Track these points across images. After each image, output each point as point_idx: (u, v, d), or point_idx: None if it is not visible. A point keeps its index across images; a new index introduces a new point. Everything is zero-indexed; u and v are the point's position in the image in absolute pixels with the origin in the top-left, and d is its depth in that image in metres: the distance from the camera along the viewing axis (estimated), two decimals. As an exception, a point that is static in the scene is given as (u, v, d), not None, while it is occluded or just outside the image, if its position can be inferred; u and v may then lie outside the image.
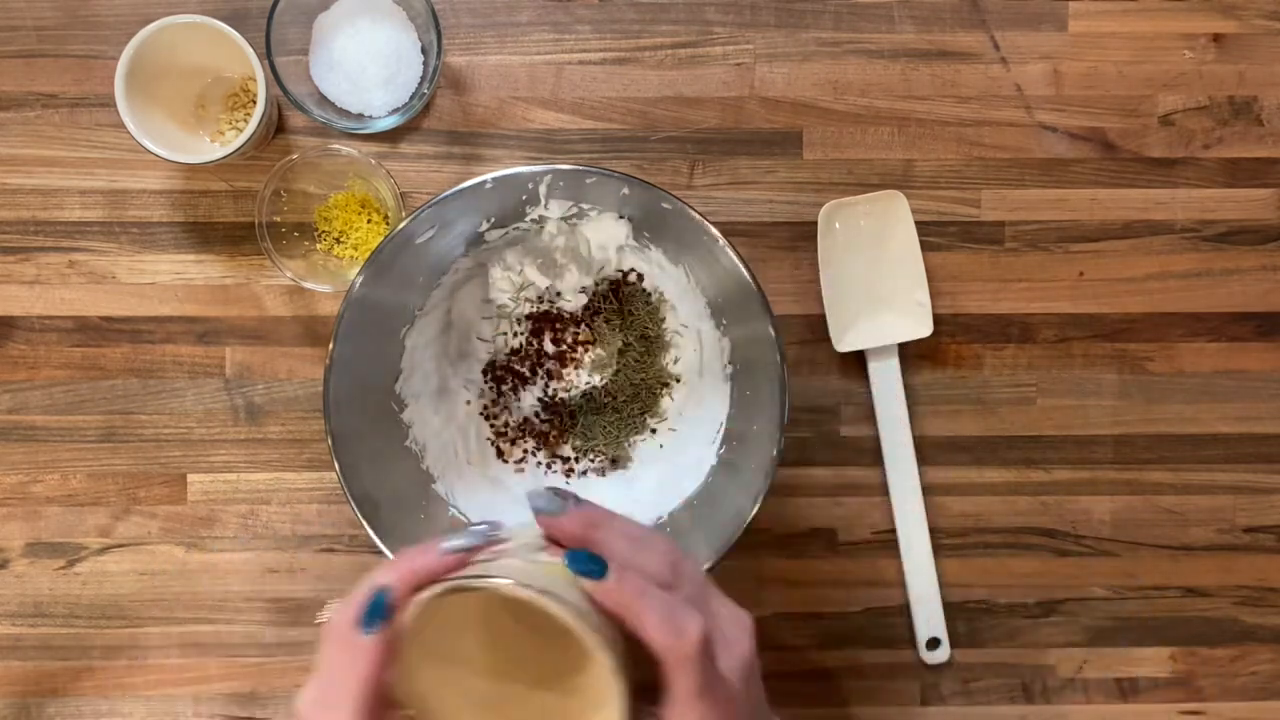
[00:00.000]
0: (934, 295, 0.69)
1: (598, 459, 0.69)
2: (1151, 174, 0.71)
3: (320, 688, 0.39)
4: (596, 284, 0.68)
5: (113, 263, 0.69)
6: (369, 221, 0.69)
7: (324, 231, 0.69)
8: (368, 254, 0.58)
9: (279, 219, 0.68)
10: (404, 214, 0.66)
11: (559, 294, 0.68)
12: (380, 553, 0.59)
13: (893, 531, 0.70)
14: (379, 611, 0.38)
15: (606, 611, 0.39)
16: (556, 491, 0.42)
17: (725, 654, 0.42)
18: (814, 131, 0.70)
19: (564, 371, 0.68)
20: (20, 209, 0.69)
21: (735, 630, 0.44)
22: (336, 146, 0.66)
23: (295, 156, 0.65)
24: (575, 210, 0.64)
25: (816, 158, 0.70)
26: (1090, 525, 0.71)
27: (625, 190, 0.60)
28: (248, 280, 0.69)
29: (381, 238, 0.60)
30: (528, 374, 0.68)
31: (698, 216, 0.59)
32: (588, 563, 0.39)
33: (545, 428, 0.69)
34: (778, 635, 0.71)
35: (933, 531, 0.70)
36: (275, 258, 0.65)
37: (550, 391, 0.68)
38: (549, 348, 0.68)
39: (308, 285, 0.66)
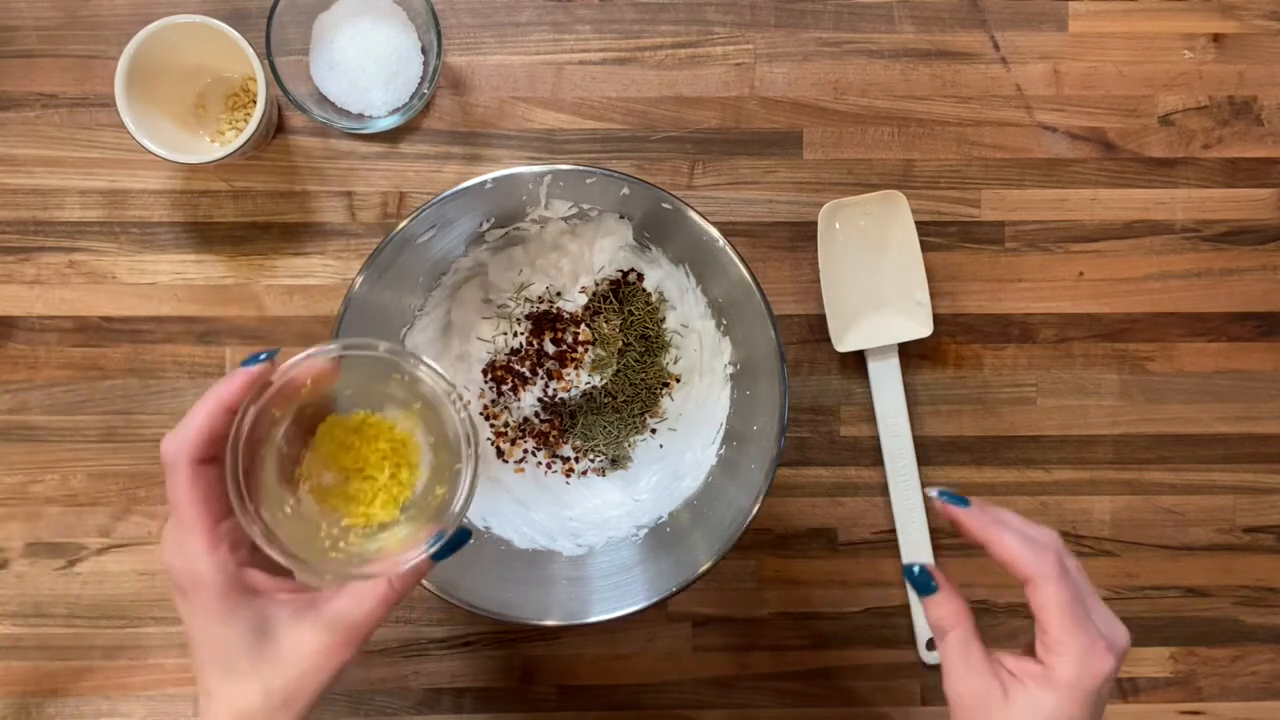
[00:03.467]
0: (934, 295, 0.69)
1: (598, 459, 0.69)
2: (1151, 174, 0.71)
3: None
4: (596, 284, 0.68)
5: (113, 263, 0.69)
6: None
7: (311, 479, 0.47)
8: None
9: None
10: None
11: (559, 294, 0.68)
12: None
13: (893, 531, 0.70)
14: (268, 355, 0.43)
15: (972, 537, 0.47)
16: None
17: (1112, 632, 0.47)
18: (814, 131, 0.70)
19: (564, 371, 0.68)
20: (20, 209, 0.69)
21: (1119, 627, 0.47)
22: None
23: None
24: (575, 210, 0.64)
25: (816, 158, 0.70)
26: (1090, 525, 0.71)
27: (625, 190, 0.61)
28: (248, 280, 0.69)
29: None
30: (528, 374, 0.68)
31: (698, 216, 0.59)
32: (953, 496, 0.48)
33: (545, 428, 0.69)
34: (778, 635, 0.71)
35: (933, 531, 0.70)
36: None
37: (550, 391, 0.68)
38: (549, 348, 0.68)
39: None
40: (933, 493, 0.49)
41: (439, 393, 0.44)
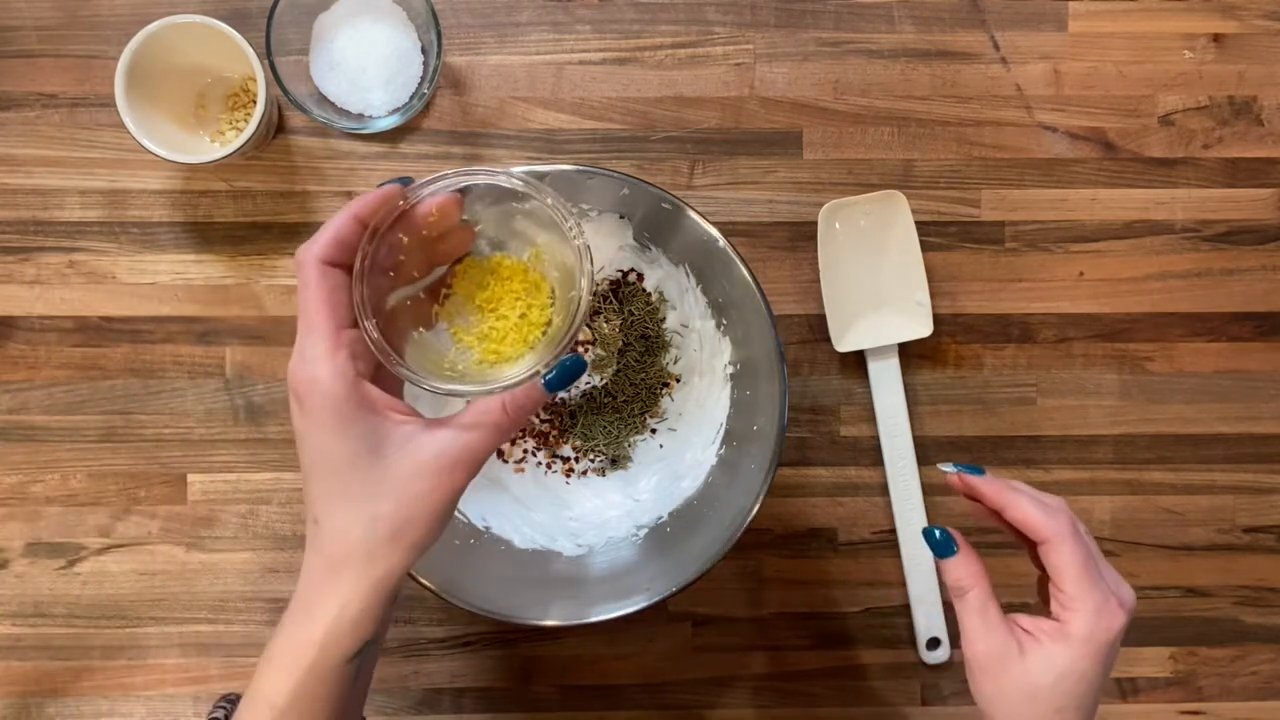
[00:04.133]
0: (934, 295, 0.69)
1: (598, 459, 0.69)
2: (1151, 174, 0.71)
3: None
4: (597, 284, 0.68)
5: (113, 263, 0.69)
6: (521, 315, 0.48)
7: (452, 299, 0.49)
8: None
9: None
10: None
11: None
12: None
13: (893, 531, 0.70)
14: (405, 181, 0.44)
15: (985, 505, 0.50)
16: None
17: (1121, 592, 0.49)
18: (814, 131, 0.70)
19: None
20: (20, 209, 0.69)
21: (1125, 588, 0.49)
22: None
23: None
24: (575, 210, 0.64)
25: (816, 158, 0.70)
26: (1090, 525, 0.71)
27: (625, 190, 0.61)
28: (248, 280, 0.69)
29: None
30: (528, 374, 0.68)
31: (698, 216, 0.59)
32: (967, 467, 0.51)
33: (545, 428, 0.69)
34: (778, 635, 0.71)
35: (933, 531, 0.70)
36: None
37: (550, 391, 0.68)
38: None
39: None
40: (948, 468, 0.51)
41: (556, 220, 0.44)
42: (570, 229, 0.44)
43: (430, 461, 0.42)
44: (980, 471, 0.50)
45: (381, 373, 0.43)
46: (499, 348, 0.47)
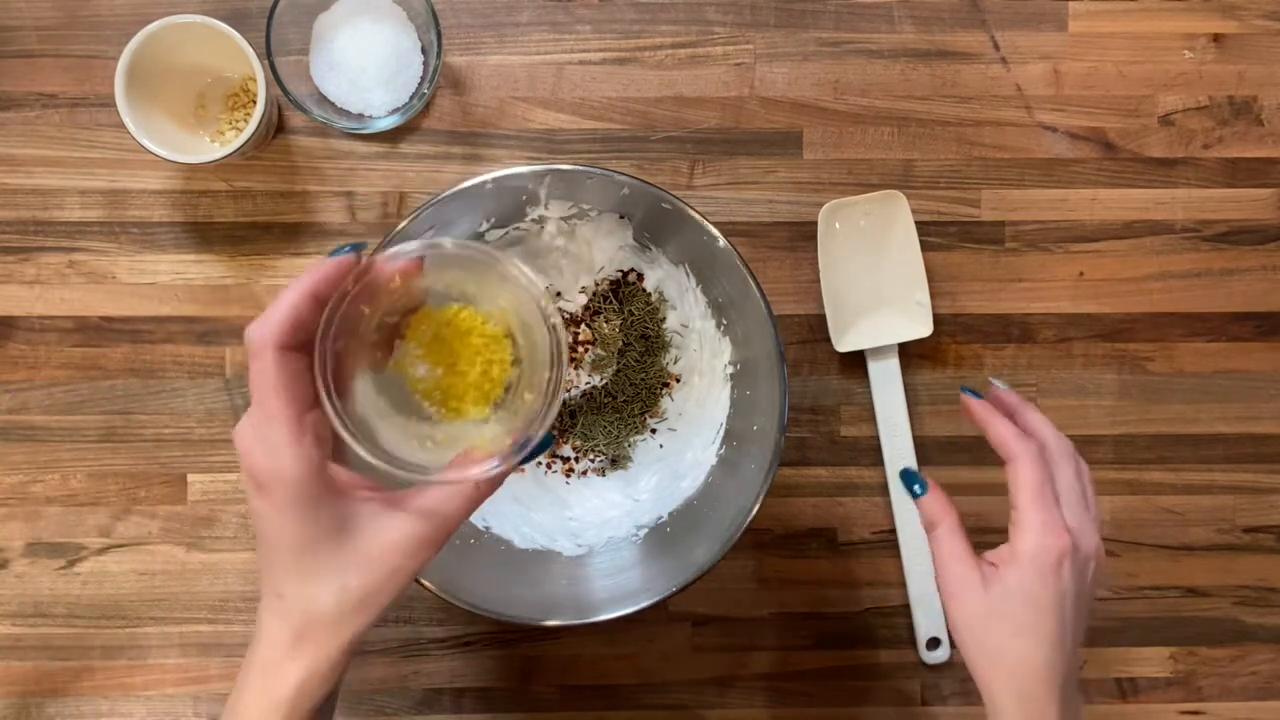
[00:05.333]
0: (934, 295, 0.69)
1: (598, 459, 0.69)
2: (1151, 174, 0.71)
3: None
4: (596, 284, 0.68)
5: (113, 263, 0.69)
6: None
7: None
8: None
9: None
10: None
11: (559, 294, 0.68)
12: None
13: (893, 531, 0.70)
14: (354, 248, 0.41)
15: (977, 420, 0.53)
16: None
17: (1073, 519, 0.51)
18: (814, 131, 0.70)
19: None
20: (20, 209, 0.69)
21: (1089, 525, 0.51)
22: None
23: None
24: (575, 210, 0.64)
25: (816, 158, 0.70)
26: (1090, 525, 0.71)
27: (625, 190, 0.61)
28: (248, 280, 0.69)
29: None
30: (528, 374, 0.68)
31: (698, 216, 0.59)
32: (975, 393, 0.54)
33: (545, 428, 0.69)
34: (778, 635, 0.71)
35: (933, 531, 0.70)
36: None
37: (550, 391, 0.68)
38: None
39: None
40: (969, 392, 0.54)
41: (529, 297, 0.42)
42: (545, 308, 0.42)
43: (400, 543, 0.42)
44: (979, 397, 0.54)
45: (341, 443, 0.42)
46: (459, 405, 0.45)
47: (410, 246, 0.41)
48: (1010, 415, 0.54)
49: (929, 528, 0.53)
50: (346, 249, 0.42)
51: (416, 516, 0.42)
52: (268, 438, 0.40)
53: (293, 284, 0.40)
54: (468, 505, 0.43)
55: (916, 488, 0.53)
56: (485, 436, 0.44)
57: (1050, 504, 0.50)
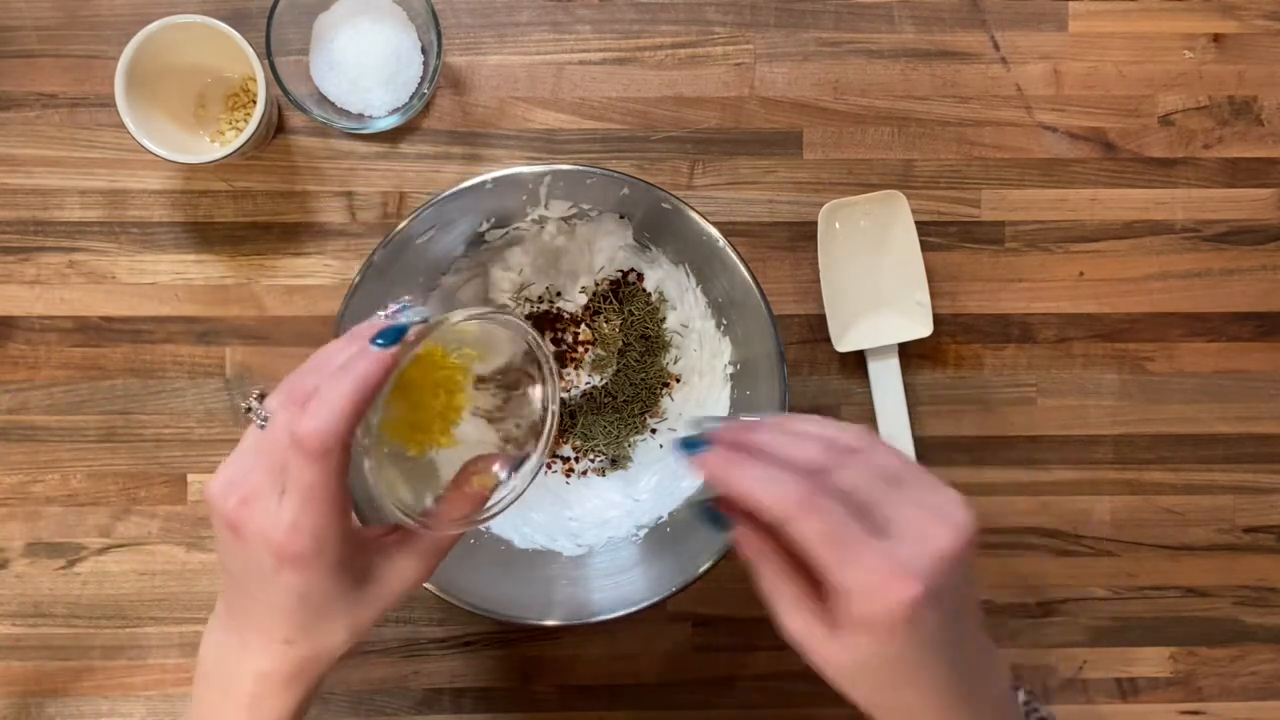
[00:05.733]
0: (934, 295, 0.69)
1: (598, 459, 0.69)
2: (1151, 174, 0.71)
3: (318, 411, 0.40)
4: (596, 284, 0.68)
5: (113, 263, 0.69)
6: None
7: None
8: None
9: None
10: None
11: (559, 294, 0.68)
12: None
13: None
14: (397, 334, 0.41)
15: (721, 491, 0.41)
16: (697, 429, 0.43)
17: (907, 543, 0.37)
18: (814, 131, 0.70)
19: (564, 371, 0.68)
20: (20, 209, 0.69)
21: (932, 525, 0.38)
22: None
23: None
24: (575, 210, 0.64)
25: (816, 158, 0.70)
26: (1090, 525, 0.71)
27: (625, 190, 0.61)
28: (248, 280, 0.69)
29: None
30: (528, 374, 0.68)
31: (698, 216, 0.59)
32: (690, 445, 0.41)
33: (545, 428, 0.69)
34: (778, 635, 0.71)
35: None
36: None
37: (550, 391, 0.68)
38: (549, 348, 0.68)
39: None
40: (682, 448, 0.42)
41: (539, 361, 0.48)
42: (544, 362, 0.48)
43: (413, 580, 0.46)
44: (698, 447, 0.41)
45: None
46: (425, 438, 0.47)
47: (440, 321, 0.43)
48: (747, 445, 0.41)
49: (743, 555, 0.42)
50: (397, 329, 0.41)
51: (425, 554, 0.46)
52: (312, 524, 0.41)
53: (344, 381, 0.40)
54: (465, 528, 0.47)
55: (714, 522, 0.43)
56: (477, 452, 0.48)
57: (858, 542, 0.37)
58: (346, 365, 0.40)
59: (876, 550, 0.37)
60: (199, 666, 0.46)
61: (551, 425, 0.48)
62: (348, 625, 0.44)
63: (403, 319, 0.43)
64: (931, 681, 0.39)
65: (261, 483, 0.41)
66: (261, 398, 0.43)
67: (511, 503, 0.47)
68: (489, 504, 0.47)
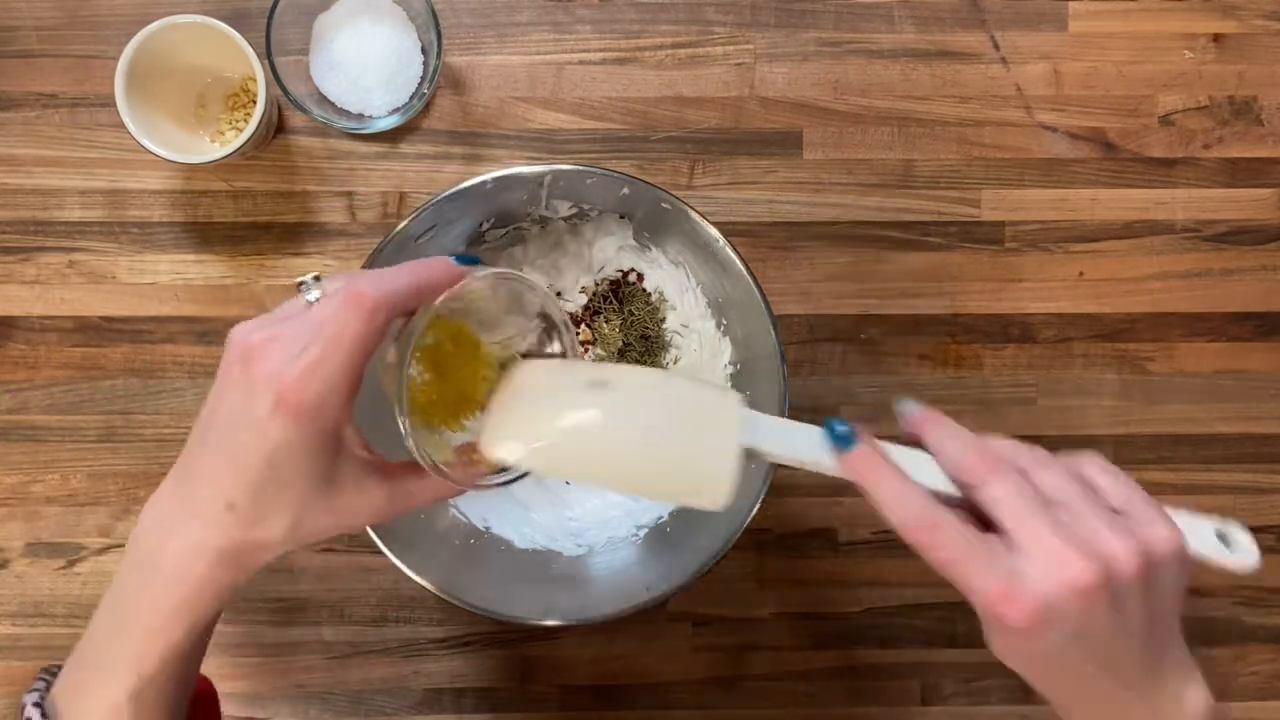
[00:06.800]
0: (934, 295, 0.69)
1: (598, 459, 0.69)
2: (1151, 174, 0.71)
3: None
4: (596, 284, 0.68)
5: (113, 263, 0.69)
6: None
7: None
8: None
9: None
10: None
11: (559, 294, 0.68)
12: (380, 553, 0.59)
13: (892, 531, 0.70)
14: (472, 261, 0.44)
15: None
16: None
17: (1035, 564, 0.38)
18: (814, 131, 0.70)
19: (564, 371, 0.68)
20: (20, 209, 0.69)
21: (1076, 550, 0.38)
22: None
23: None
24: (575, 210, 0.64)
25: (816, 158, 0.70)
26: (1090, 525, 0.71)
27: (625, 190, 0.61)
28: (248, 280, 0.69)
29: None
30: (528, 374, 0.68)
31: (698, 216, 0.59)
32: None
33: (545, 428, 0.69)
34: (778, 635, 0.71)
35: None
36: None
37: (550, 391, 0.68)
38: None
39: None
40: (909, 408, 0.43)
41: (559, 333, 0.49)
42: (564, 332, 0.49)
43: (367, 509, 0.43)
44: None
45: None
46: (440, 416, 0.47)
47: (486, 272, 0.44)
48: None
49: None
50: (469, 259, 0.44)
51: (393, 492, 0.44)
52: (328, 375, 0.40)
53: (414, 269, 0.43)
54: (437, 499, 0.46)
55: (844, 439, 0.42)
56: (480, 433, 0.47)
57: (1051, 522, 0.38)
58: (419, 261, 0.43)
59: (1061, 532, 0.38)
60: (130, 540, 0.43)
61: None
62: (291, 520, 0.41)
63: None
64: (1058, 687, 0.41)
65: (291, 333, 0.41)
66: (317, 279, 0.43)
67: (519, 478, 0.47)
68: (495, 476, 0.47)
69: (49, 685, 0.44)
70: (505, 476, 0.46)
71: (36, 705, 0.42)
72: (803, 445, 0.42)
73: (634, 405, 0.42)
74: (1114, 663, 0.40)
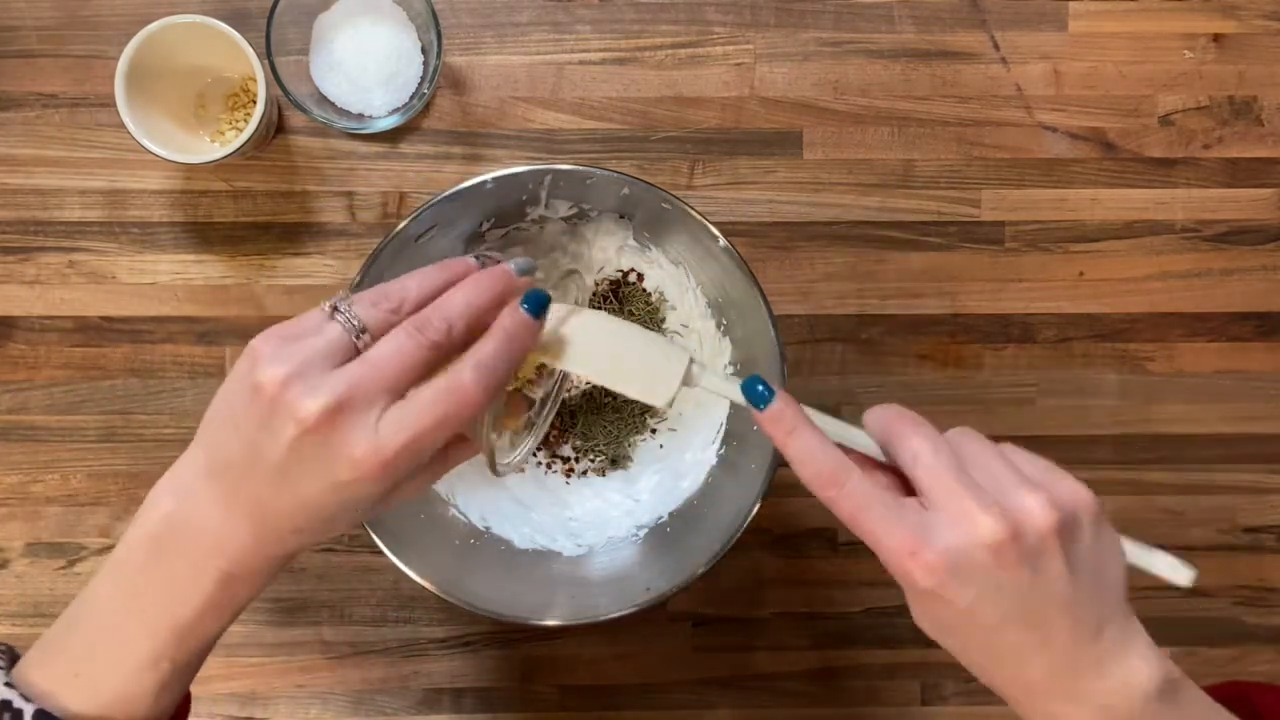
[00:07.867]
0: (934, 295, 0.69)
1: (598, 459, 0.69)
2: (1151, 174, 0.71)
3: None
4: (596, 284, 0.68)
5: (113, 263, 0.69)
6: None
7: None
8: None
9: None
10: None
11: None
12: (380, 553, 0.59)
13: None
14: (540, 304, 0.42)
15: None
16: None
17: (944, 522, 0.39)
18: (814, 131, 0.70)
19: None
20: (20, 209, 0.69)
21: (983, 508, 0.38)
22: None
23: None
24: (575, 210, 0.64)
25: (816, 158, 0.70)
26: (1090, 525, 0.71)
27: (625, 190, 0.61)
28: (248, 280, 0.69)
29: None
30: (528, 374, 0.68)
31: (698, 216, 0.59)
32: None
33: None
34: (778, 635, 0.71)
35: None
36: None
37: (550, 391, 0.68)
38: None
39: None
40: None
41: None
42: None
43: (420, 487, 0.44)
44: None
45: None
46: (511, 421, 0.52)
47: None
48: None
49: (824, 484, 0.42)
50: (533, 304, 0.42)
51: (433, 465, 0.44)
52: (420, 452, 0.39)
53: (508, 344, 0.41)
54: (468, 459, 0.46)
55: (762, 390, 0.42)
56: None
57: (965, 479, 0.38)
58: (504, 327, 0.41)
59: (971, 492, 0.38)
60: (155, 517, 0.41)
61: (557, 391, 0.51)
62: (348, 528, 0.42)
63: (529, 279, 0.44)
64: (978, 654, 0.40)
65: (362, 395, 0.38)
66: (348, 304, 0.41)
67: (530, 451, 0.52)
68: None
69: (8, 666, 0.41)
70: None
71: (9, 685, 0.39)
72: (733, 389, 0.45)
73: (621, 325, 0.48)
74: (1039, 626, 0.38)
